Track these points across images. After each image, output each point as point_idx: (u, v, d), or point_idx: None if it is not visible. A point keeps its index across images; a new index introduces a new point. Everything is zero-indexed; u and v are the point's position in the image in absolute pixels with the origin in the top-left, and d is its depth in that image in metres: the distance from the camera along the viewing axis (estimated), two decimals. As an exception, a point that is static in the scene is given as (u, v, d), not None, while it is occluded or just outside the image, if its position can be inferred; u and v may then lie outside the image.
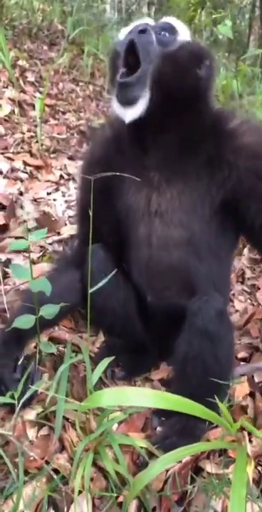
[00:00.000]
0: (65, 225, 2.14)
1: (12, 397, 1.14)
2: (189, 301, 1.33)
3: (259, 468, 1.33)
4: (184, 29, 1.27)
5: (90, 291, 1.26)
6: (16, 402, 1.14)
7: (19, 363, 1.35)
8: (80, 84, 4.60)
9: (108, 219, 1.45)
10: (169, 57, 1.18)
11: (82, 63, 4.74)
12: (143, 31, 1.17)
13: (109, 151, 1.42)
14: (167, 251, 1.38)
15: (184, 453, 1.15)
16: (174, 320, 1.34)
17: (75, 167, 2.77)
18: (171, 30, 1.23)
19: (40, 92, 3.90)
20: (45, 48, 5.57)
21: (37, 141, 2.86)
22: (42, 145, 2.87)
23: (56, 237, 2.03)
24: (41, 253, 1.93)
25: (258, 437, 1.04)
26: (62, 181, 2.58)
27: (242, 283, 2.22)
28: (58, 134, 3.17)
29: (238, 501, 0.93)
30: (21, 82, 4.13)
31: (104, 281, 1.28)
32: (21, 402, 1.16)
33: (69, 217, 2.21)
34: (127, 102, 1.19)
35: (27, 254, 1.87)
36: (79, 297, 1.47)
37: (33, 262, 1.86)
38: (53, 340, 1.56)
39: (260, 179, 1.27)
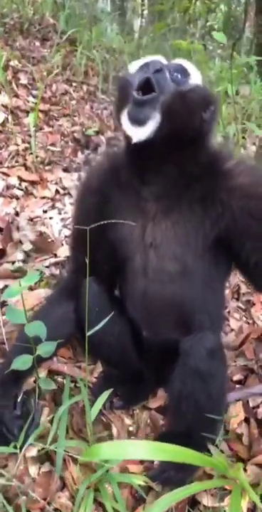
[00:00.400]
0: (62, 245, 2.15)
1: (15, 445, 1.17)
2: (184, 336, 1.37)
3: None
4: (195, 72, 1.30)
5: (88, 333, 1.29)
6: (18, 450, 1.17)
7: (18, 399, 1.39)
8: (74, 84, 4.55)
9: (103, 249, 1.45)
10: (181, 94, 1.23)
11: (76, 62, 4.68)
12: (158, 70, 1.22)
13: (106, 182, 1.43)
14: (162, 285, 1.40)
15: (183, 493, 1.18)
16: (169, 352, 1.38)
17: (70, 180, 2.77)
18: (184, 72, 1.27)
19: (34, 96, 3.87)
20: (38, 44, 5.48)
21: (31, 153, 2.85)
22: (37, 157, 2.86)
23: (53, 260, 2.04)
24: (39, 278, 1.94)
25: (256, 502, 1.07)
26: (58, 196, 2.58)
27: (237, 299, 2.25)
28: (52, 143, 3.15)
29: None
30: (14, 85, 4.09)
31: (101, 323, 1.31)
32: (24, 448, 1.19)
33: (65, 236, 2.22)
34: (138, 121, 1.22)
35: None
36: (73, 328, 1.50)
37: (30, 288, 1.89)
38: (51, 372, 1.59)
39: (253, 218, 1.29)
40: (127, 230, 1.40)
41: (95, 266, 1.44)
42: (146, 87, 1.21)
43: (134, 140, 1.23)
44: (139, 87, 1.22)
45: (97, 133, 3.58)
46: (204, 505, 1.34)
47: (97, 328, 1.29)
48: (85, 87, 4.58)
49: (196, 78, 1.29)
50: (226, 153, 1.38)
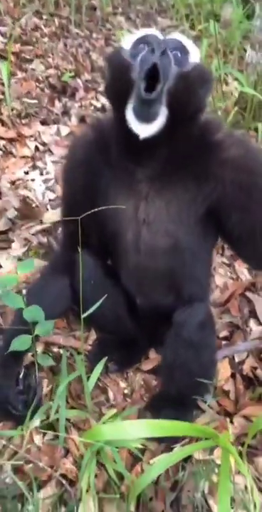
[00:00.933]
0: (47, 210, 2.13)
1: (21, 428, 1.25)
2: (176, 301, 1.45)
3: (240, 448, 1.52)
4: (193, 49, 1.26)
5: (84, 315, 1.34)
6: (25, 431, 1.25)
7: (20, 376, 1.46)
8: (44, 17, 4.23)
9: (95, 223, 1.44)
10: (184, 77, 1.20)
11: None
12: (163, 52, 1.17)
13: (93, 156, 1.40)
14: (154, 258, 1.43)
15: (178, 455, 1.30)
16: (162, 316, 1.46)
17: (49, 134, 2.68)
18: (183, 49, 1.23)
19: (2, 34, 3.60)
20: None
21: (6, 105, 2.71)
22: (12, 109, 2.73)
23: (39, 227, 2.03)
24: (26, 247, 1.95)
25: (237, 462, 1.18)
26: (37, 154, 2.50)
27: (222, 254, 2.31)
28: (27, 92, 2.99)
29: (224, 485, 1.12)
30: (-21, 22, 3.79)
31: (98, 303, 1.35)
32: (30, 428, 1.27)
33: (50, 200, 2.20)
34: (147, 118, 1.20)
35: (11, 252, 1.90)
36: (69, 303, 1.55)
37: (19, 259, 1.90)
38: (48, 344, 1.65)
39: (242, 191, 1.31)
40: (121, 201, 1.39)
41: (88, 239, 1.46)
42: (151, 74, 1.16)
43: (142, 137, 1.20)
44: (145, 75, 1.16)
45: (74, 77, 3.40)
46: (196, 459, 1.48)
47: (94, 307, 1.33)
48: (56, 21, 4.27)
49: (195, 55, 1.24)
50: (216, 123, 1.37)
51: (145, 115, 1.20)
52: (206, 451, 1.50)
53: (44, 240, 1.99)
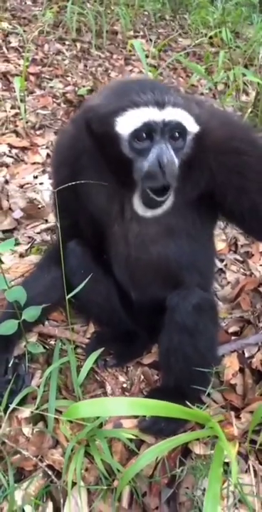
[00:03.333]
0: (52, 210, 2.13)
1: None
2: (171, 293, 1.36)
3: (246, 444, 1.39)
4: (192, 123, 1.21)
5: (68, 296, 1.30)
6: (3, 412, 1.20)
7: (10, 364, 1.42)
8: (67, 43, 4.39)
9: (83, 215, 1.45)
10: (183, 161, 1.22)
11: (67, 19, 4.50)
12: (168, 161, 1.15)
13: (77, 151, 1.37)
14: (145, 248, 1.39)
15: (169, 444, 1.21)
16: (159, 309, 1.38)
17: (62, 143, 2.71)
18: (183, 131, 1.19)
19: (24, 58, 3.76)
20: (29, 3, 5.30)
21: (22, 119, 2.79)
22: (27, 122, 2.81)
23: (44, 226, 2.03)
24: (29, 245, 1.95)
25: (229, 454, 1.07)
26: (48, 160, 2.53)
27: (235, 252, 2.21)
28: (44, 106, 3.07)
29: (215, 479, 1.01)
30: (5, 49, 3.98)
31: (82, 284, 1.31)
32: (11, 406, 1.23)
33: (56, 201, 2.20)
34: (154, 206, 1.25)
35: (15, 249, 1.90)
36: (62, 294, 1.50)
37: (21, 255, 1.89)
38: (43, 336, 1.61)
39: (232, 172, 1.26)
40: (105, 204, 1.37)
41: (78, 230, 1.48)
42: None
43: (146, 217, 1.28)
44: (154, 192, 1.20)
45: (91, 91, 3.47)
46: (196, 454, 1.36)
47: (77, 289, 1.30)
48: (78, 45, 4.42)
49: (192, 130, 1.22)
50: (195, 105, 1.32)
51: (154, 205, 1.24)
52: (207, 445, 1.38)
53: (48, 237, 1.99)
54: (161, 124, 1.13)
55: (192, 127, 1.21)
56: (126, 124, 1.13)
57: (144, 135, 1.14)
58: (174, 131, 1.17)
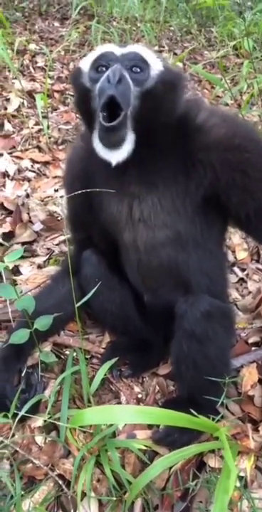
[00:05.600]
0: (66, 225, 2.16)
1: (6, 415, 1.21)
2: (184, 297, 1.34)
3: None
4: (153, 58, 1.21)
5: (77, 305, 1.31)
6: (10, 418, 1.21)
7: (22, 374, 1.43)
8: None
9: (96, 226, 1.48)
10: (147, 95, 1.17)
11: (91, 38, 4.61)
12: (119, 80, 1.13)
13: (87, 164, 1.41)
14: (155, 252, 1.38)
15: (180, 455, 1.18)
16: (172, 314, 1.36)
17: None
18: (143, 63, 1.18)
19: (50, 78, 3.87)
20: (57, 24, 5.47)
21: (45, 134, 2.86)
22: (50, 137, 2.87)
23: (62, 237, 2.06)
24: (47, 256, 1.98)
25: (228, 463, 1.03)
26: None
27: (257, 261, 2.16)
28: (66, 122, 3.14)
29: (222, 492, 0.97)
30: (31, 68, 4.12)
31: (92, 291, 1.33)
32: (20, 413, 1.23)
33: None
34: (113, 145, 1.19)
35: (33, 260, 1.93)
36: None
37: (39, 267, 1.92)
38: (58, 346, 1.61)
39: (235, 171, 1.24)
40: (115, 209, 1.38)
41: (92, 240, 1.52)
42: (111, 103, 1.14)
43: (114, 164, 1.20)
44: (103, 108, 1.14)
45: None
46: (211, 467, 1.32)
47: (86, 298, 1.32)
48: (104, 62, 4.51)
49: (156, 65, 1.20)
50: (196, 103, 1.32)
51: (111, 142, 1.18)
52: (223, 458, 1.33)
53: (66, 248, 2.01)
54: (119, 55, 1.18)
55: (154, 62, 1.19)
56: (87, 59, 1.22)
57: (103, 68, 1.18)
58: (133, 62, 1.17)
